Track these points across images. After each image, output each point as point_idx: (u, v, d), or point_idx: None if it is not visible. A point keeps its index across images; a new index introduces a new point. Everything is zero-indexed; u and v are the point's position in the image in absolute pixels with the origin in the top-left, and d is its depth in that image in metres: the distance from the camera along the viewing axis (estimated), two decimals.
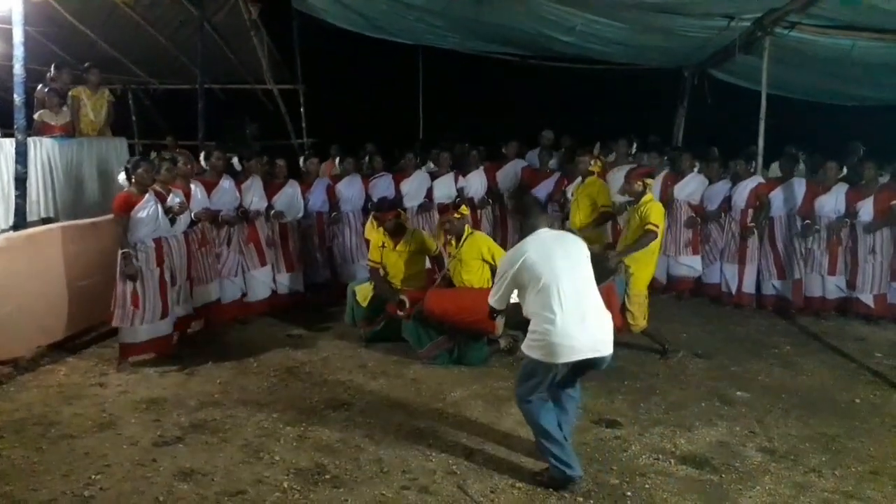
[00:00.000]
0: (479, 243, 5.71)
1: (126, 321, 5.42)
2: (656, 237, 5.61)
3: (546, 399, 3.71)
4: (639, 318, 5.62)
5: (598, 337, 3.58)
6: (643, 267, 5.61)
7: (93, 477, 3.76)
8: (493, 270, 5.54)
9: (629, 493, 3.65)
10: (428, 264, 6.28)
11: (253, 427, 4.42)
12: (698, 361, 5.75)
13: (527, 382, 3.69)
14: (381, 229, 6.16)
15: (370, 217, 6.86)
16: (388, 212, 6.05)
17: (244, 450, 4.10)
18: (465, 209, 5.87)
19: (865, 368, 5.63)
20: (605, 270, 5.37)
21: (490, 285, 5.48)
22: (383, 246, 6.14)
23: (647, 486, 3.74)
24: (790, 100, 9.40)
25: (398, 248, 6.07)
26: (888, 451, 4.18)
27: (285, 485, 3.70)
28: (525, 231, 3.86)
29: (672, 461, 4.03)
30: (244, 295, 6.76)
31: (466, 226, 5.86)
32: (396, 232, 6.04)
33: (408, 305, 5.71)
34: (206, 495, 3.58)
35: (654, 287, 7.81)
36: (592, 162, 6.46)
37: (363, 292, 6.22)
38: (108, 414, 4.61)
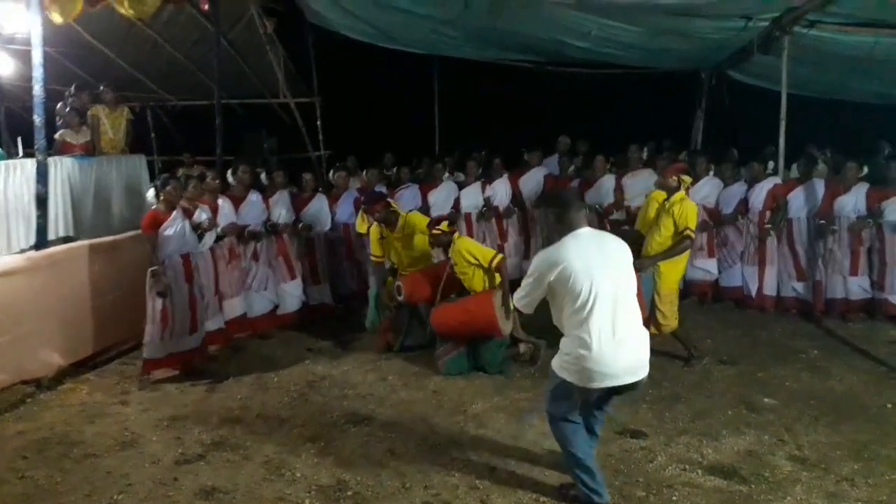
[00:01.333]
0: (459, 247, 5.63)
1: (156, 337, 5.47)
2: (692, 243, 5.54)
3: (578, 422, 3.52)
4: (671, 318, 5.52)
5: (635, 361, 3.34)
6: (673, 266, 5.50)
7: (115, 497, 3.76)
8: (485, 270, 5.54)
9: None
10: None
11: (274, 443, 4.40)
12: (723, 368, 5.64)
13: (559, 402, 3.49)
14: (375, 223, 6.19)
15: (360, 213, 6.90)
16: (376, 204, 6.07)
17: (265, 466, 4.08)
18: (444, 225, 5.71)
19: (895, 372, 5.50)
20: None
21: (486, 286, 5.57)
22: (382, 237, 6.17)
23: (674, 498, 3.67)
24: (811, 99, 9.24)
25: (395, 234, 6.08)
26: None
27: (307, 502, 3.68)
28: (562, 228, 3.47)
29: (699, 472, 3.94)
30: (275, 308, 6.80)
31: (454, 236, 5.72)
32: (390, 220, 6.05)
33: (403, 292, 5.80)
34: None
35: None
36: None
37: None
38: (130, 432, 4.62)
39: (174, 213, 5.53)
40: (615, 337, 3.27)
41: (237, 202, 6.49)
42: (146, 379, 5.50)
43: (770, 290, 7.23)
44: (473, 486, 3.81)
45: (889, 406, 4.85)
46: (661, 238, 5.48)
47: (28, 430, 4.67)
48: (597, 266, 3.31)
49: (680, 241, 5.40)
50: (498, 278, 5.53)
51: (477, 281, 5.60)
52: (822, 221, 6.92)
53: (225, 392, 5.34)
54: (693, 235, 5.44)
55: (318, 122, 11.03)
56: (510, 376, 5.51)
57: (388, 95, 12.25)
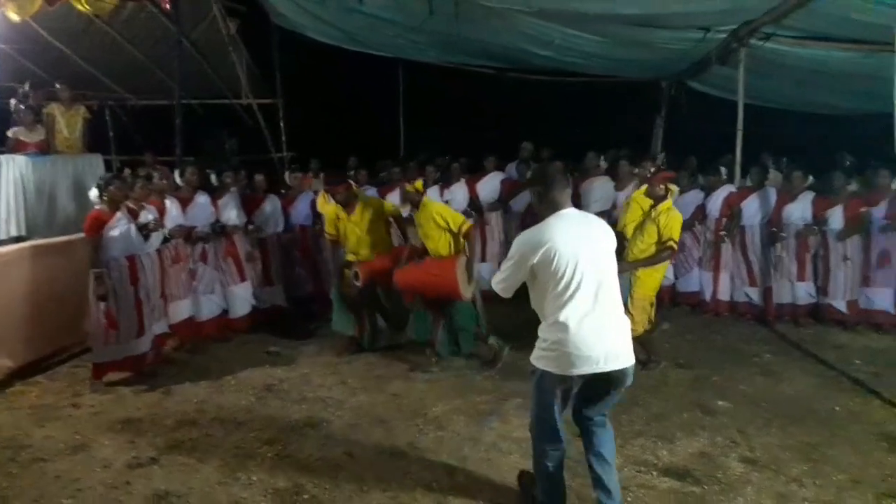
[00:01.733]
0: (430, 209, 5.70)
1: (101, 341, 5.34)
2: (674, 254, 5.63)
3: (562, 447, 3.38)
4: (638, 324, 5.52)
5: (616, 346, 3.19)
6: (651, 273, 5.54)
7: (64, 502, 3.68)
8: (453, 235, 5.64)
9: None
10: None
11: (230, 447, 4.34)
12: (680, 371, 5.74)
13: (542, 401, 3.30)
14: (333, 203, 6.18)
15: (321, 192, 6.88)
16: (339, 185, 6.06)
17: (221, 470, 4.02)
18: (419, 184, 5.85)
19: (845, 376, 5.65)
20: None
21: (451, 251, 5.66)
22: (338, 218, 6.13)
23: (629, 499, 3.71)
24: (767, 109, 9.49)
25: (353, 217, 6.04)
26: (868, 459, 4.18)
27: None
28: (546, 207, 3.30)
29: (654, 473, 4.00)
30: (225, 312, 6.67)
31: (425, 197, 5.84)
32: (348, 202, 6.04)
33: (361, 276, 5.81)
34: None
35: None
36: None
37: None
38: (81, 436, 4.52)
39: (118, 213, 5.38)
40: (596, 320, 3.15)
41: (185, 203, 6.34)
42: (98, 383, 5.37)
43: (724, 295, 7.40)
44: (431, 488, 3.81)
45: (837, 408, 4.98)
46: (643, 245, 5.54)
47: None
48: (582, 248, 3.17)
49: (662, 251, 5.46)
50: (463, 243, 5.63)
51: (443, 244, 5.65)
52: (774, 229, 7.12)
53: (180, 395, 5.25)
54: (675, 247, 5.50)
55: (281, 124, 10.96)
56: (471, 380, 5.52)
57: (353, 98, 12.22)
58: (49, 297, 5.77)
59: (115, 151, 11.69)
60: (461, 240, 5.64)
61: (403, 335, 6.22)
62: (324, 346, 6.40)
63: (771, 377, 5.63)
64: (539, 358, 3.27)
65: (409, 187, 5.84)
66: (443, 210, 5.78)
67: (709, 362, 5.95)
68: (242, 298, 6.82)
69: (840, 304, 7.00)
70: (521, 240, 3.30)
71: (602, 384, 3.25)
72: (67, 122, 7.45)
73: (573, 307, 3.14)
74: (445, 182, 8.19)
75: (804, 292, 7.14)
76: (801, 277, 7.11)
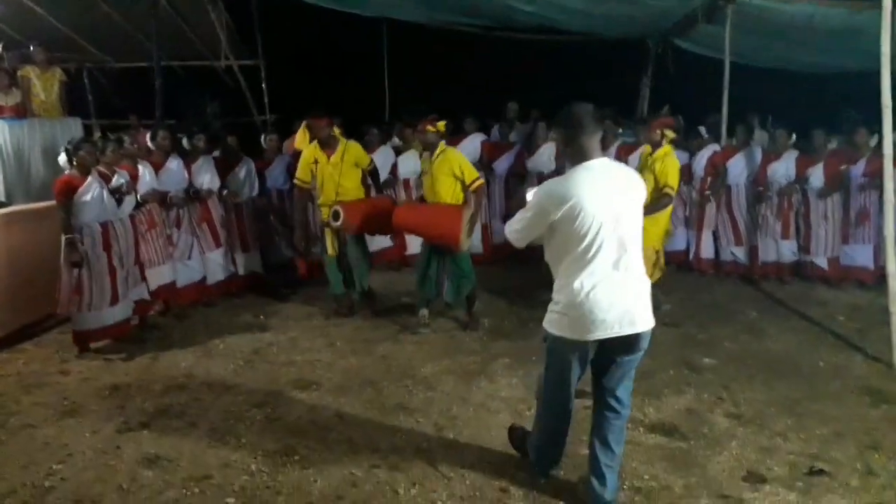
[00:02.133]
0: (451, 159, 5.55)
1: (73, 308, 5.26)
2: (672, 200, 5.59)
3: (569, 421, 3.29)
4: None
5: (634, 307, 2.97)
6: (653, 222, 5.36)
7: (53, 467, 3.66)
8: (464, 187, 5.54)
9: None
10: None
11: (219, 410, 4.34)
12: (667, 330, 5.76)
13: (555, 367, 3.13)
14: (313, 143, 5.92)
15: (301, 126, 6.44)
16: (322, 119, 5.81)
17: (210, 434, 4.03)
18: (441, 124, 5.59)
19: (828, 332, 5.72)
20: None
21: (460, 200, 5.55)
22: (316, 162, 5.89)
23: None
24: (754, 68, 9.43)
25: (332, 160, 5.85)
26: (851, 412, 4.25)
27: (253, 468, 3.64)
28: (573, 155, 3.02)
29: (641, 430, 4.05)
30: (204, 278, 6.60)
31: (441, 142, 5.62)
32: (329, 143, 5.85)
33: (343, 215, 5.63)
34: (171, 481, 3.52)
35: None
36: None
37: (328, 242, 6.08)
38: (70, 402, 4.50)
39: (89, 178, 5.24)
40: (615, 283, 2.93)
41: (157, 168, 6.17)
42: (84, 352, 5.33)
43: (707, 253, 7.47)
44: (420, 448, 3.84)
45: (821, 364, 5.05)
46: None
47: None
48: (609, 206, 2.90)
49: (659, 198, 5.43)
50: (462, 198, 5.57)
51: (448, 192, 5.54)
52: (761, 188, 7.14)
53: (169, 360, 5.24)
54: (672, 193, 5.46)
55: (263, 86, 10.79)
56: (458, 340, 5.55)
57: (337, 59, 12.01)
58: (32, 264, 5.70)
59: (94, 115, 11.48)
60: (462, 194, 5.57)
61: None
62: (312, 310, 6.39)
63: (756, 334, 5.69)
64: (552, 322, 3.07)
65: (430, 127, 5.53)
66: (462, 160, 5.61)
67: (695, 320, 6.01)
68: (218, 264, 6.70)
69: (822, 262, 7.08)
70: (543, 190, 3.02)
71: (619, 349, 3.03)
72: (44, 85, 7.29)
73: (592, 269, 2.91)
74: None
75: (788, 250, 7.21)
76: (784, 236, 7.17)
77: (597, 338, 2.96)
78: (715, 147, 7.43)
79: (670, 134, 5.70)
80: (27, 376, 4.95)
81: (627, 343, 3.01)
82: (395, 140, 8.36)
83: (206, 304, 6.54)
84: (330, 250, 6.08)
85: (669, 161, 5.49)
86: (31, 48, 7.45)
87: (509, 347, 5.38)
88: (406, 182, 7.99)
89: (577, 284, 2.93)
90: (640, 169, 5.68)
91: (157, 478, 3.55)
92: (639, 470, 3.61)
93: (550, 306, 3.08)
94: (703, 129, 7.58)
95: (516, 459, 3.70)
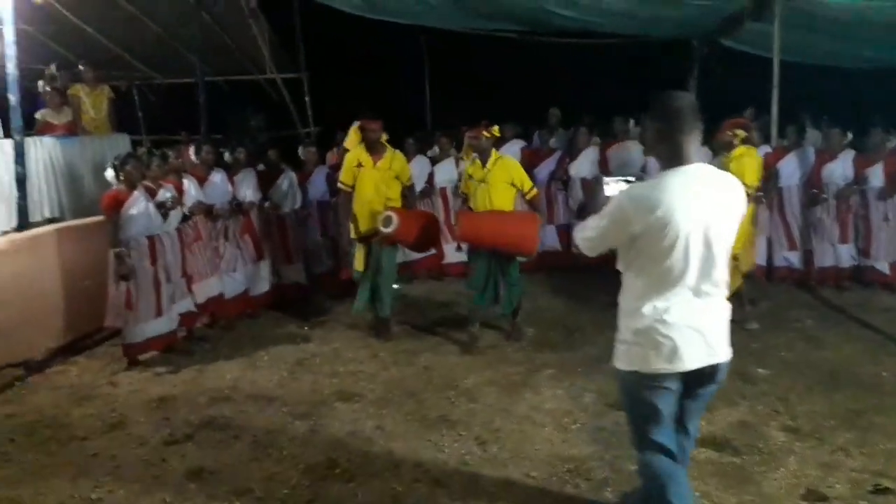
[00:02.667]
0: (509, 167, 5.47)
1: (120, 321, 5.36)
2: (751, 199, 5.38)
3: (674, 455, 2.68)
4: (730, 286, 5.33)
5: (714, 337, 2.56)
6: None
7: (102, 478, 3.71)
8: (519, 195, 5.50)
9: None
10: None
11: (263, 422, 4.35)
12: None
13: (634, 408, 2.71)
14: (361, 145, 5.75)
15: (353, 128, 6.06)
16: (376, 121, 5.64)
17: (254, 446, 4.04)
18: (496, 129, 5.53)
19: (891, 340, 5.46)
20: None
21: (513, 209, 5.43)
22: (360, 165, 5.69)
23: None
24: (805, 65, 9.13)
25: (379, 165, 5.68)
26: None
27: (294, 481, 3.63)
28: (663, 153, 2.53)
29: None
30: (248, 290, 6.65)
31: (493, 150, 5.53)
32: (377, 148, 5.69)
33: (395, 221, 5.40)
34: (214, 494, 3.52)
35: None
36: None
37: (357, 257, 5.84)
38: (119, 414, 4.57)
39: (136, 192, 5.35)
40: (698, 309, 2.53)
41: (201, 181, 6.25)
42: (128, 364, 5.42)
43: (760, 259, 7.21)
44: (463, 461, 3.78)
45: (884, 374, 4.82)
46: None
47: (16, 413, 4.62)
48: (702, 220, 2.44)
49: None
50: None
51: (505, 200, 5.44)
52: (815, 190, 6.88)
53: (214, 372, 5.28)
54: (752, 192, 5.24)
55: (307, 98, 10.91)
56: (501, 350, 5.47)
57: (378, 69, 12.08)
58: (85, 278, 5.82)
59: (144, 131, 11.77)
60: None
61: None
62: (354, 320, 6.38)
63: (813, 343, 5.47)
64: (622, 356, 2.65)
65: (486, 133, 5.45)
66: (519, 169, 5.55)
67: (748, 330, 5.80)
68: (261, 276, 6.76)
69: (883, 266, 6.78)
70: (626, 196, 2.53)
71: (697, 381, 2.62)
72: (93, 102, 7.47)
73: (674, 292, 2.50)
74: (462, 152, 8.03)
75: (847, 255, 6.92)
76: (843, 239, 6.90)
77: (676, 370, 2.54)
78: (766, 148, 7.20)
79: (741, 134, 5.52)
80: (78, 388, 5.05)
81: (706, 375, 2.60)
82: (436, 149, 8.33)
83: (251, 315, 6.60)
84: (359, 265, 5.80)
85: (746, 160, 5.31)
86: (81, 67, 7.66)
87: (555, 358, 5.28)
88: (443, 191, 7.96)
89: (652, 308, 2.52)
90: None
91: (201, 491, 3.56)
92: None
93: (620, 335, 2.64)
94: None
95: (561, 473, 3.60)
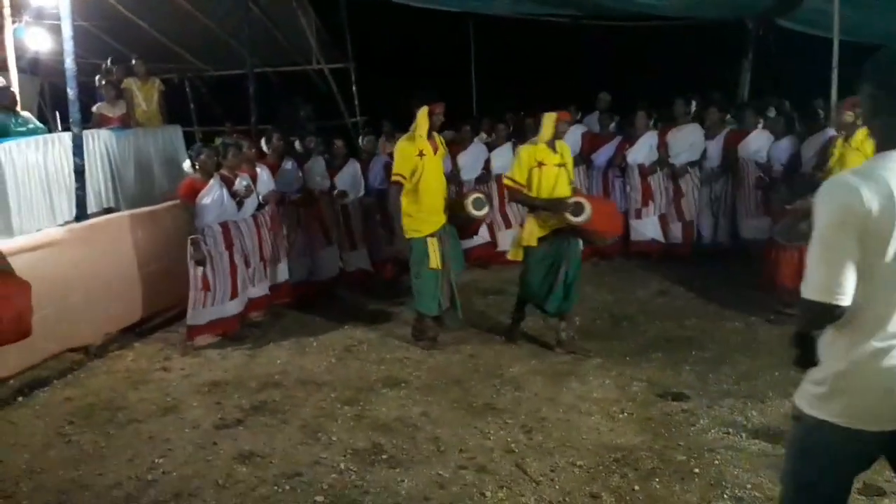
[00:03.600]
0: (568, 153, 5.32)
1: (198, 304, 5.58)
2: None
3: None
4: None
5: None
6: None
7: (156, 461, 3.82)
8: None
9: (697, 470, 3.47)
10: None
11: (311, 407, 4.42)
12: (770, 327, 5.46)
13: (808, 465, 2.02)
14: (419, 135, 5.24)
15: (422, 111, 5.26)
16: (441, 104, 5.25)
17: (302, 431, 4.11)
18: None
19: None
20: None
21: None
22: (422, 154, 5.21)
23: (716, 461, 3.56)
24: (866, 46, 8.78)
25: (439, 153, 5.36)
26: None
27: (342, 466, 3.68)
28: (884, 134, 1.91)
29: (743, 435, 3.82)
30: (314, 274, 6.82)
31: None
32: (431, 134, 5.29)
33: (588, 210, 4.88)
34: (263, 477, 3.59)
35: (720, 250, 7.57)
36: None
37: (433, 254, 5.29)
38: (172, 398, 4.69)
39: (211, 181, 5.56)
40: None
41: (272, 170, 6.47)
42: (189, 345, 5.59)
43: None
44: (509, 449, 3.77)
45: None
46: None
47: (75, 396, 4.79)
48: None
49: None
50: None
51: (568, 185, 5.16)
52: None
53: (265, 357, 5.39)
54: None
55: (354, 88, 10.98)
56: (548, 339, 5.43)
57: (424, 58, 12.08)
58: (142, 265, 6.01)
59: (196, 123, 12.04)
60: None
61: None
62: (402, 307, 6.42)
63: None
64: (813, 399, 1.98)
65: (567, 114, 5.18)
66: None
67: None
68: (329, 261, 6.97)
69: None
70: (829, 198, 1.86)
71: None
72: (144, 95, 7.68)
73: (889, 319, 1.86)
74: (519, 139, 7.96)
75: None
76: None
77: (883, 429, 1.91)
78: (830, 131, 6.92)
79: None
80: (135, 373, 5.21)
81: None
82: (483, 136, 8.30)
83: (303, 301, 6.71)
84: (434, 262, 5.29)
85: (869, 145, 4.98)
86: (133, 61, 7.87)
87: (601, 347, 5.22)
88: (499, 178, 7.91)
89: (869, 345, 1.87)
90: (833, 160, 5.31)
91: (251, 474, 3.64)
92: (741, 478, 3.40)
93: (814, 372, 1.99)
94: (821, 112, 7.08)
95: (608, 463, 3.57)
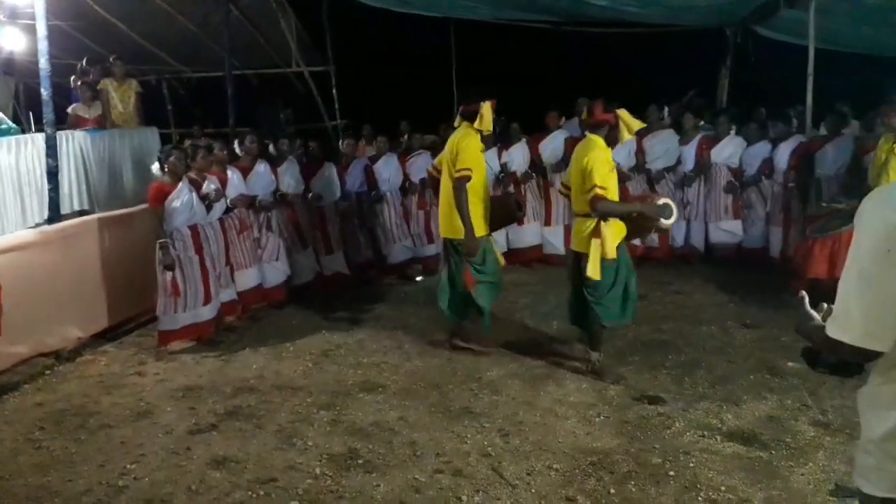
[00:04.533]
0: None
1: (169, 309, 5.48)
2: None
3: None
4: None
5: None
6: None
7: (128, 466, 3.76)
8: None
9: (672, 473, 3.49)
10: None
11: (287, 412, 4.38)
12: (746, 332, 5.51)
13: None
14: (474, 132, 5.07)
15: (487, 105, 5.03)
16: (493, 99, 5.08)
17: (277, 436, 4.06)
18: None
19: None
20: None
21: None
22: (482, 151, 5.13)
23: (691, 464, 3.57)
24: (842, 54, 8.90)
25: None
26: None
27: (317, 471, 3.64)
28: None
29: (718, 438, 3.84)
30: (289, 278, 6.76)
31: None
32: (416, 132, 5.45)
33: (675, 209, 4.69)
34: (237, 483, 3.55)
35: (693, 255, 7.64)
36: None
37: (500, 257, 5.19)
38: (146, 403, 4.63)
39: (180, 184, 5.47)
40: None
41: (245, 172, 6.39)
42: (163, 350, 5.51)
43: (775, 251, 7.08)
44: (485, 453, 3.76)
45: None
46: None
47: (46, 401, 4.70)
48: None
49: None
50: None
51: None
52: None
53: (240, 362, 5.33)
54: None
55: (334, 91, 10.93)
56: (526, 342, 5.43)
57: (405, 62, 12.06)
58: (115, 269, 5.93)
59: (173, 125, 11.92)
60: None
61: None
62: (382, 312, 6.40)
63: None
64: (872, 474, 1.67)
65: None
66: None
67: (778, 321, 5.68)
68: (305, 265, 6.91)
69: None
70: (873, 217, 1.55)
71: None
72: (121, 96, 7.58)
73: None
74: (504, 143, 7.97)
75: None
76: None
77: None
78: (800, 138, 7.04)
79: None
80: (107, 377, 5.13)
81: None
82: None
83: (278, 306, 6.66)
84: (502, 260, 5.26)
85: None
86: (111, 61, 7.78)
87: (579, 351, 5.21)
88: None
89: None
90: (879, 162, 5.36)
91: (225, 479, 3.59)
92: (715, 481, 3.41)
93: (866, 446, 1.68)
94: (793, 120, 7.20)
95: (584, 466, 3.56)
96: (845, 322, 1.57)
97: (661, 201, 4.66)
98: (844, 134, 7.00)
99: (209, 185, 5.69)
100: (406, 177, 7.68)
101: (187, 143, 6.43)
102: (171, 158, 5.45)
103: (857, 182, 6.64)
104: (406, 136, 8.14)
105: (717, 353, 5.09)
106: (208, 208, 5.67)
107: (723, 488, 3.34)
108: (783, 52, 9.15)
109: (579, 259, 4.69)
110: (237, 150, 6.58)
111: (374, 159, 7.64)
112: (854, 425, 3.86)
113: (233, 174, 6.19)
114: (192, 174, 5.62)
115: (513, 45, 10.97)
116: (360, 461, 3.73)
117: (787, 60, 8.38)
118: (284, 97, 11.30)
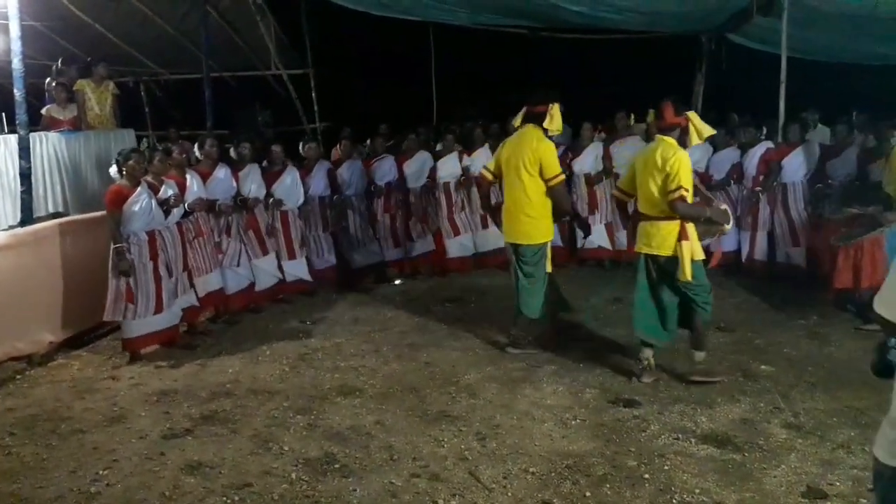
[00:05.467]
0: None
1: (118, 315, 5.35)
2: None
3: None
4: None
5: None
6: None
7: (100, 472, 3.71)
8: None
9: (647, 476, 3.51)
10: None
11: (263, 417, 4.35)
12: (720, 335, 5.57)
13: None
14: (539, 130, 5.07)
15: (555, 107, 5.09)
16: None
17: (253, 440, 4.04)
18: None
19: None
20: (874, 221, 5.08)
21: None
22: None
23: (665, 467, 3.60)
24: (814, 62, 9.06)
25: None
26: None
27: (293, 476, 3.62)
28: None
29: (692, 440, 3.88)
30: (252, 284, 6.65)
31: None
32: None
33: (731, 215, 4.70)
34: (212, 489, 3.52)
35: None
36: None
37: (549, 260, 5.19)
38: (119, 407, 4.58)
39: (139, 188, 5.33)
40: None
41: (205, 177, 6.22)
42: (135, 357, 5.42)
43: (760, 254, 7.17)
44: (462, 457, 3.76)
45: None
46: None
47: (17, 406, 4.64)
48: None
49: None
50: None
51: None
52: (819, 185, 6.82)
53: (216, 366, 5.29)
54: None
55: (313, 94, 10.90)
56: (504, 346, 5.44)
57: (385, 65, 12.07)
58: (88, 272, 5.82)
59: (151, 127, 11.81)
60: None
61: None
62: (357, 314, 6.38)
63: (818, 340, 5.42)
64: (893, 445, 1.80)
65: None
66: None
67: (751, 325, 5.76)
68: (266, 272, 6.73)
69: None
70: None
71: None
72: (98, 98, 7.46)
73: None
74: (468, 148, 7.97)
75: None
76: None
77: None
78: (768, 144, 7.17)
79: None
80: (80, 382, 5.06)
81: None
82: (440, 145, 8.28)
83: (255, 310, 6.61)
84: (549, 265, 5.29)
85: None
86: (94, 63, 7.66)
87: (555, 354, 5.25)
88: (446, 185, 7.89)
89: None
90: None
91: (199, 485, 3.56)
92: (689, 483, 3.44)
93: (890, 426, 1.77)
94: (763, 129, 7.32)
95: (560, 469, 3.58)
96: (890, 300, 1.69)
97: (723, 206, 4.73)
98: (808, 140, 7.13)
99: (167, 191, 5.54)
100: (371, 181, 7.62)
101: (143, 144, 6.22)
102: (130, 161, 5.30)
103: (865, 189, 6.74)
104: (370, 141, 8.08)
105: (691, 356, 5.13)
106: (167, 213, 5.53)
107: (697, 490, 3.38)
108: (755, 59, 9.30)
109: (656, 263, 4.63)
110: (196, 153, 6.40)
111: (338, 164, 7.55)
112: (825, 427, 3.95)
113: (192, 178, 6.01)
114: (150, 178, 5.48)
115: (491, 49, 11.03)
116: (336, 466, 3.72)
117: (761, 68, 8.51)
118: (264, 100, 11.26)
